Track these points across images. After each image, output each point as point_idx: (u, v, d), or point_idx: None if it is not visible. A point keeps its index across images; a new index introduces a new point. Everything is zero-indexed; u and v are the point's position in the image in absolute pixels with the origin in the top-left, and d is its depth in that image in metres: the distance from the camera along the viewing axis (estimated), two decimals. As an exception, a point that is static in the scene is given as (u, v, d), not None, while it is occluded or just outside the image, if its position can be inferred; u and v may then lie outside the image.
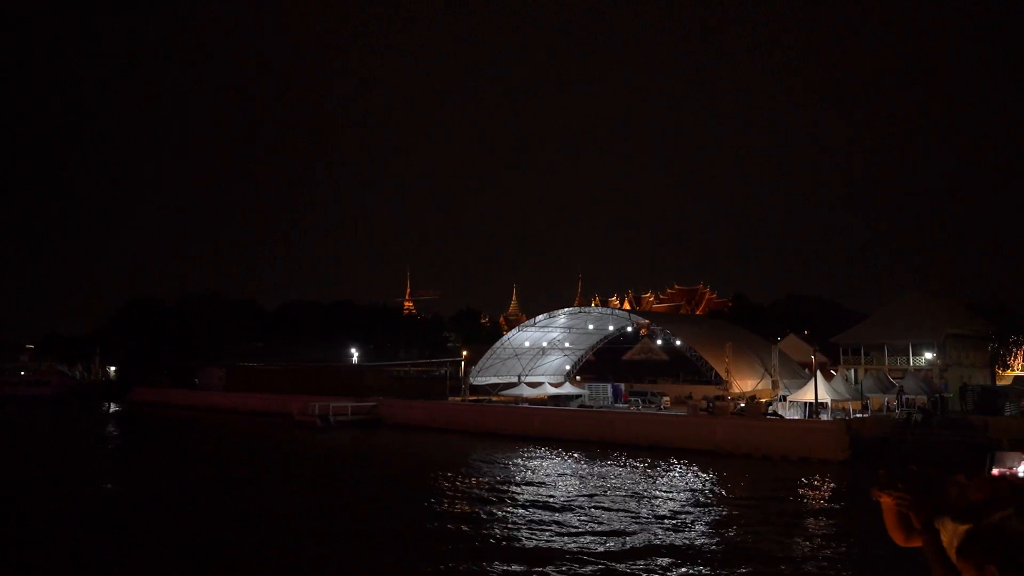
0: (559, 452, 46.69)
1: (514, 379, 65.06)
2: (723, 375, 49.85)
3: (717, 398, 56.46)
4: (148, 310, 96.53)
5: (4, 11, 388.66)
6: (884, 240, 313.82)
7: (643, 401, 65.09)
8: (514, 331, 64.15)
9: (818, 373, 47.84)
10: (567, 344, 65.75)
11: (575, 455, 45.31)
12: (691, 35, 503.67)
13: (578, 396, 66.06)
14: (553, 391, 63.32)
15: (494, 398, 66.42)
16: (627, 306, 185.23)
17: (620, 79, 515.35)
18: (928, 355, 66.97)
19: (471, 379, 64.18)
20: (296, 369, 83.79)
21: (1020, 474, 7.33)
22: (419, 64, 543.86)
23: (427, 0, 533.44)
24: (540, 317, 60.69)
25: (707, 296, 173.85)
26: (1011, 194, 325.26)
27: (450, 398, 70.11)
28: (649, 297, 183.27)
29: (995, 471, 6.95)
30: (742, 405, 48.52)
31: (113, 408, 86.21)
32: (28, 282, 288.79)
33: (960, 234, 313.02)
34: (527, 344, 63.53)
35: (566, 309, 60.44)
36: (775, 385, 49.54)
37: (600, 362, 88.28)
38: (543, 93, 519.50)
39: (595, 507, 29.72)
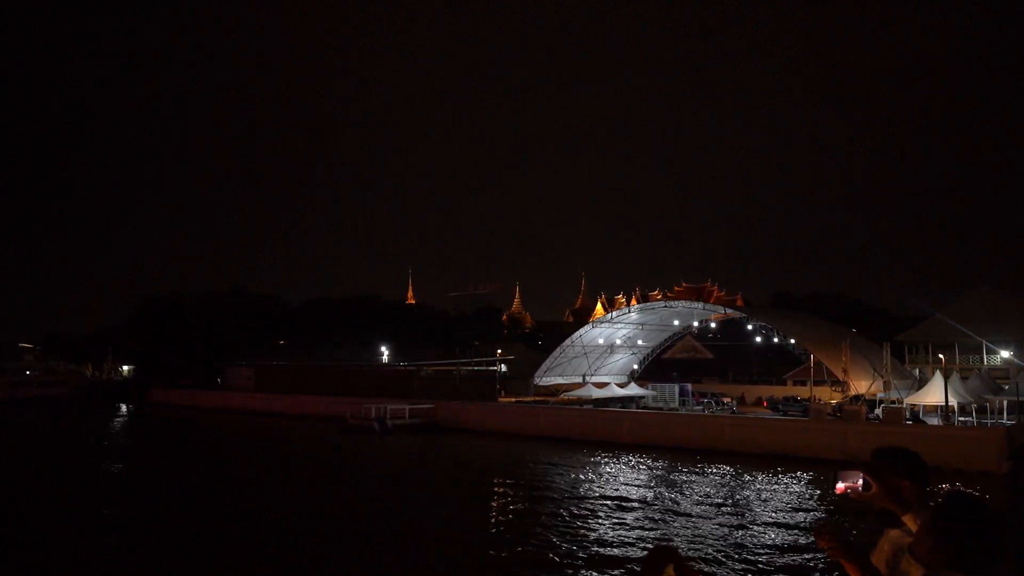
0: (655, 460, 41.69)
1: (578, 379, 59.93)
2: (840, 376, 45.00)
3: (804, 399, 51.76)
4: (168, 307, 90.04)
5: (4, 11, 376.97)
6: (884, 240, 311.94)
7: (715, 403, 60.62)
8: (586, 327, 59.03)
9: (938, 373, 43.32)
10: (640, 341, 60.75)
11: (673, 463, 40.41)
12: (691, 35, 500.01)
13: (642, 397, 61.27)
14: (621, 392, 58.39)
15: (552, 399, 61.35)
16: (635, 303, 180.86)
17: (620, 79, 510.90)
18: (1005, 353, 62.80)
19: (536, 379, 58.93)
20: (330, 369, 78.02)
21: (860, 488, 4.52)
22: (419, 64, 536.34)
23: (427, 0, 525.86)
24: (615, 312, 55.70)
25: (715, 294, 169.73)
26: (1011, 194, 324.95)
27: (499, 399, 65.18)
28: (657, 295, 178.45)
29: (839, 486, 3.83)
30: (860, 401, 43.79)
31: (134, 410, 79.97)
32: (22, 282, 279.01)
33: (960, 234, 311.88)
34: (600, 341, 58.44)
35: (648, 303, 55.26)
36: (887, 386, 44.84)
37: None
38: (543, 93, 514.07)
39: (684, 515, 26.64)
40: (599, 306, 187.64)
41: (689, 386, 61.48)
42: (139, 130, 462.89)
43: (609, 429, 47.89)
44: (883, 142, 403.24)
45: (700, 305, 53.13)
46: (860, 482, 3.26)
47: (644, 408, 58.08)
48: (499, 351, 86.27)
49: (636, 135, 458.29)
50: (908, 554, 2.88)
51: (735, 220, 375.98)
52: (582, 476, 36.42)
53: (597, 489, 32.64)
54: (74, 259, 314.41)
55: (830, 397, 65.47)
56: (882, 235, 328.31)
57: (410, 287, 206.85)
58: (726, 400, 63.53)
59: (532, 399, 61.08)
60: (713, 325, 58.30)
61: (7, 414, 73.21)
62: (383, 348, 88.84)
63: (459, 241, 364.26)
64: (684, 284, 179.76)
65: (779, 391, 72.99)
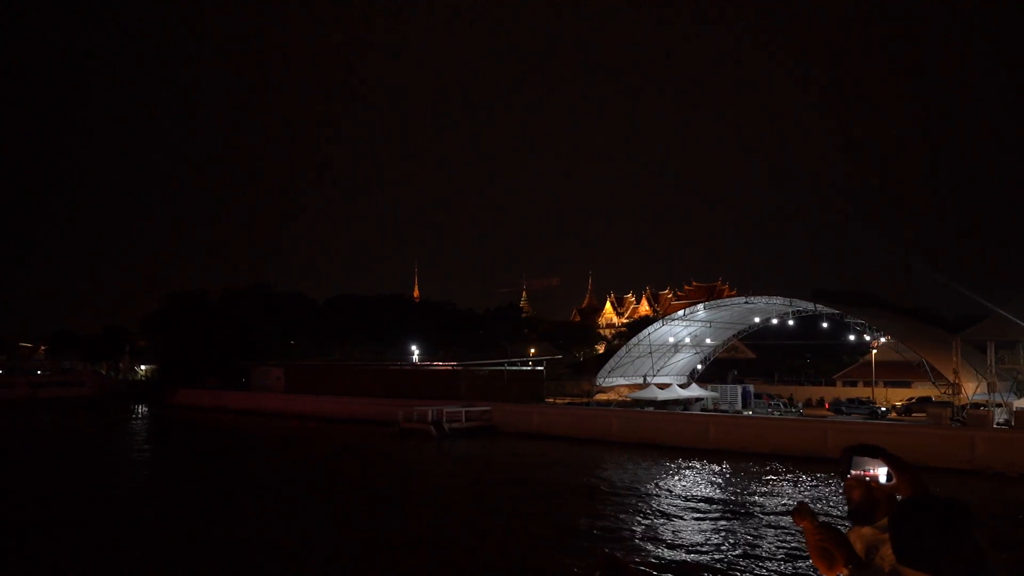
0: (752, 467, 38.14)
1: (639, 380, 56.26)
2: (951, 377, 41.56)
3: (918, 400, 48.49)
4: (192, 304, 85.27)
5: (4, 11, 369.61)
6: (883, 241, 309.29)
7: (782, 404, 57.31)
8: (656, 325, 55.26)
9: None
10: (708, 340, 57.15)
11: (772, 471, 36.95)
12: (690, 34, 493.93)
13: (699, 399, 57.75)
14: (685, 393, 54.84)
15: (608, 398, 57.80)
16: (645, 303, 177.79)
17: (618, 79, 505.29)
18: (1074, 353, 59.68)
19: (599, 380, 55.22)
20: (368, 369, 74.00)
21: (881, 479, 3.02)
22: (424, 61, 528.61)
23: (427, 0, 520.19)
24: (687, 309, 52.08)
25: (726, 293, 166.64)
26: (1011, 194, 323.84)
27: (547, 400, 61.69)
28: (667, 294, 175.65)
29: (854, 472, 3.08)
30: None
31: (159, 412, 75.50)
32: (20, 281, 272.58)
33: (961, 234, 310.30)
34: (671, 339, 54.75)
35: (727, 299, 51.37)
36: (991, 388, 41.50)
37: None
38: (545, 93, 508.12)
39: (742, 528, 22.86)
40: (608, 305, 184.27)
41: (751, 387, 58.02)
42: (138, 129, 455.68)
43: (691, 433, 44.26)
44: (883, 142, 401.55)
45: (787, 301, 49.33)
46: (882, 471, 3.00)
47: (704, 410, 54.72)
48: (532, 351, 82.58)
49: (636, 135, 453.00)
50: (881, 550, 2.83)
51: (735, 220, 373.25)
52: (703, 488, 32.85)
53: (721, 502, 29.07)
54: (73, 259, 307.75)
55: (886, 399, 62.35)
56: (882, 235, 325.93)
57: (416, 285, 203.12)
58: (783, 401, 60.27)
59: (586, 400, 57.68)
60: (791, 323, 54.79)
61: (31, 417, 68.72)
62: (414, 347, 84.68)
63: (462, 240, 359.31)
64: (694, 283, 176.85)
65: (828, 392, 69.72)
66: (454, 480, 36.38)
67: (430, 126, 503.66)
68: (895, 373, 64.23)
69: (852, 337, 54.57)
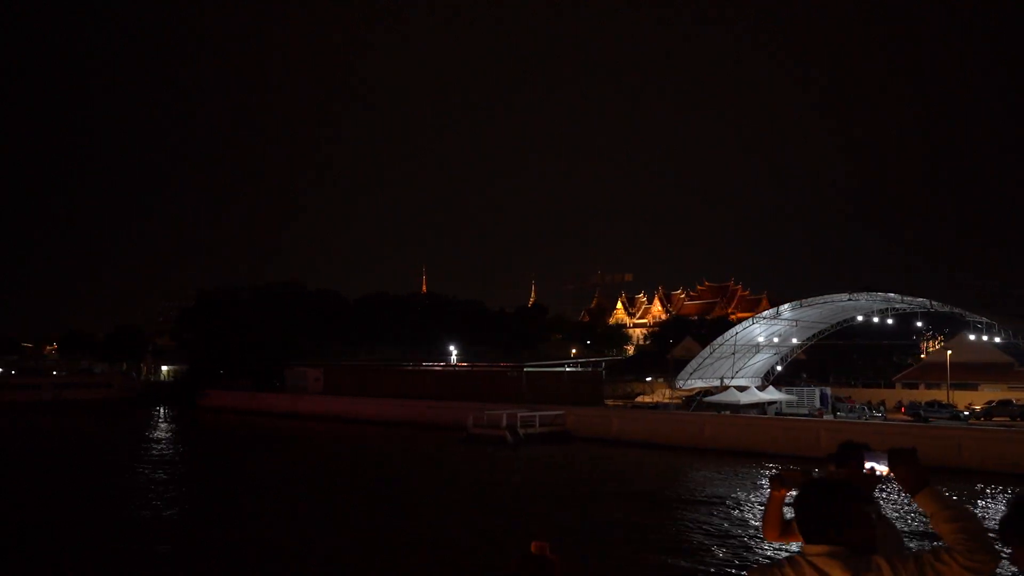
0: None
1: (715, 382, 52.89)
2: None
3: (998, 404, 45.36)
4: (226, 302, 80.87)
5: (4, 11, 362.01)
6: (883, 241, 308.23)
7: (867, 408, 54.15)
8: (746, 323, 51.74)
9: None
10: (793, 339, 53.94)
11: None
12: (691, 35, 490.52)
13: (774, 403, 54.48)
14: (765, 396, 51.59)
15: (653, 400, 54.49)
16: (658, 303, 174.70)
17: (618, 79, 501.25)
18: None
19: (679, 383, 51.84)
20: (415, 370, 70.20)
21: (878, 471, 3.49)
22: (419, 63, 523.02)
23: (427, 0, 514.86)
24: (780, 307, 48.77)
25: (739, 293, 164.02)
26: (1011, 194, 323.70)
27: (606, 402, 58.36)
28: (680, 294, 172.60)
29: (868, 466, 3.60)
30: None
31: (191, 415, 71.08)
32: (19, 280, 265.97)
33: (961, 234, 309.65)
34: (760, 339, 51.44)
35: (829, 295, 47.59)
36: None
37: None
38: (541, 94, 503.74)
39: None
40: (619, 306, 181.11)
41: (829, 390, 54.89)
42: (136, 129, 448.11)
43: (798, 440, 40.81)
44: (883, 142, 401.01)
45: (899, 298, 45.82)
46: (883, 466, 3.16)
47: (778, 414, 51.49)
48: (573, 351, 79.14)
49: (637, 135, 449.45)
50: None
51: (735, 220, 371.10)
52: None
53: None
54: (73, 259, 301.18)
55: (952, 401, 59.40)
56: (881, 236, 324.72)
57: (424, 284, 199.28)
58: (865, 404, 57.18)
59: (654, 402, 54.31)
60: (890, 322, 51.66)
61: (58, 421, 64.31)
62: (452, 347, 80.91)
63: (464, 240, 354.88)
64: (706, 283, 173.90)
65: (888, 395, 66.74)
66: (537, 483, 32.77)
67: (430, 126, 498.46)
68: (960, 375, 61.33)
69: (973, 335, 51.14)
